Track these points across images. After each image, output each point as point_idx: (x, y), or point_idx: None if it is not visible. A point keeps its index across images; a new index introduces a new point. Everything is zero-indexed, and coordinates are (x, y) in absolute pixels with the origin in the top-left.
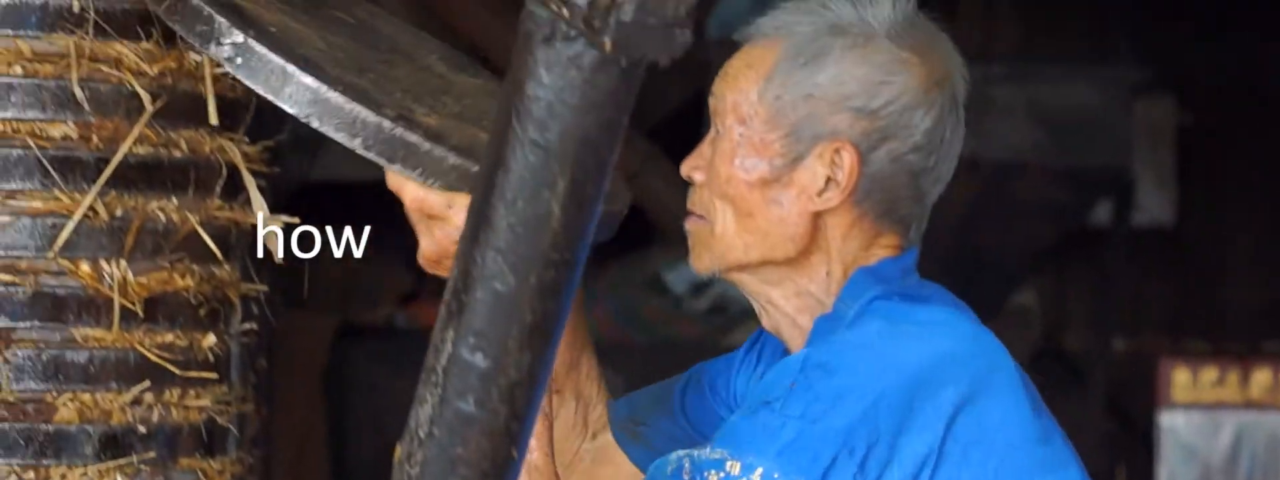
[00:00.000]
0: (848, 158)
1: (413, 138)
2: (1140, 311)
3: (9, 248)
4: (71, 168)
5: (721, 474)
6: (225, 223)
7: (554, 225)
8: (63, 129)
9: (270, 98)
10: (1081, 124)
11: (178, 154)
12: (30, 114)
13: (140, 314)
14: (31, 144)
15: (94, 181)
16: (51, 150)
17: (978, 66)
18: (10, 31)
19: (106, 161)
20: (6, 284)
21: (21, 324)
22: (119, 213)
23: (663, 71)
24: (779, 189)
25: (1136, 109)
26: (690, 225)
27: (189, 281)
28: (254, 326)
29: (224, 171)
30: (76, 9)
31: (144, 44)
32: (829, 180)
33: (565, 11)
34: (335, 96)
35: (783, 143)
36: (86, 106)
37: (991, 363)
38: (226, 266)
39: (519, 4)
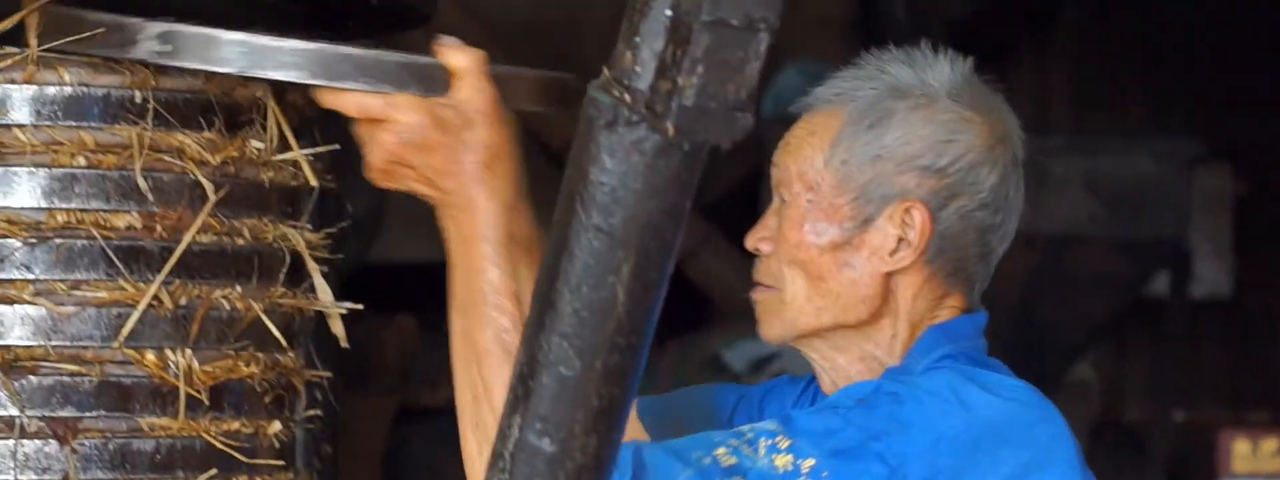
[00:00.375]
0: (919, 216)
1: (350, 50)
2: (1199, 382)
3: (75, 337)
4: (136, 257)
5: (769, 442)
6: (289, 310)
7: (619, 310)
8: (127, 219)
9: (206, 67)
10: (1138, 195)
11: (241, 242)
12: (94, 204)
13: (206, 402)
14: (96, 234)
15: (158, 270)
16: (116, 240)
17: (1033, 139)
18: (73, 123)
19: (170, 250)
20: (73, 374)
21: (88, 413)
22: (184, 301)
23: (716, 150)
24: (850, 252)
25: (1193, 179)
26: (757, 295)
27: (254, 369)
28: (318, 412)
29: (287, 259)
30: (138, 100)
31: (206, 133)
32: (900, 240)
33: (627, 97)
34: (265, 40)
35: (852, 206)
36: (150, 196)
37: (1055, 434)
38: (291, 353)
39: (579, 91)
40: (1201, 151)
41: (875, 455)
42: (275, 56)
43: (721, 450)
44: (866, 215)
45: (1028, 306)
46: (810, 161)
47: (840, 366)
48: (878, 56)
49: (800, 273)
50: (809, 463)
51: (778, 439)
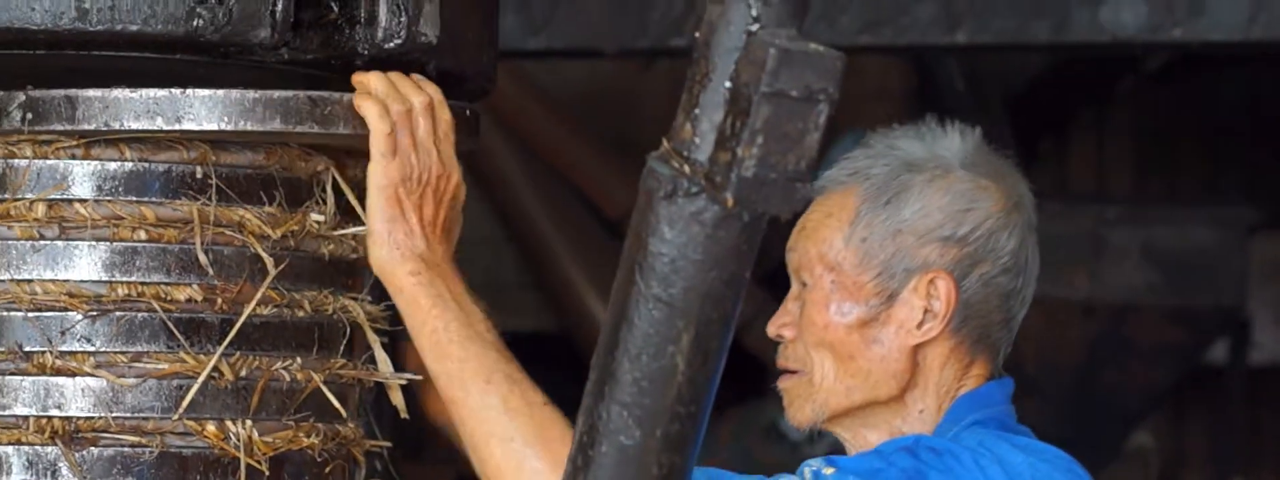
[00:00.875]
0: (944, 286)
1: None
2: (1258, 450)
3: (136, 409)
4: (196, 329)
5: (815, 468)
6: (349, 381)
7: (679, 379)
8: (187, 292)
9: (67, 127)
10: (1196, 263)
11: (301, 314)
12: (155, 277)
13: (266, 472)
14: (157, 307)
15: (219, 342)
16: (176, 313)
17: (1092, 208)
18: (134, 198)
19: (231, 323)
20: (134, 445)
21: None
22: (244, 373)
23: (775, 220)
24: (878, 328)
25: (1250, 247)
26: (784, 383)
27: (314, 439)
28: None
29: (347, 331)
30: (199, 175)
31: (267, 208)
32: (926, 312)
33: (687, 168)
34: (119, 94)
35: (876, 282)
36: (210, 270)
37: None
38: (350, 424)
39: (638, 161)
40: (1259, 219)
41: None
42: (135, 106)
43: None
44: (891, 290)
45: (1087, 375)
46: (830, 243)
47: (871, 444)
48: (886, 134)
49: (829, 354)
50: None
51: (824, 469)
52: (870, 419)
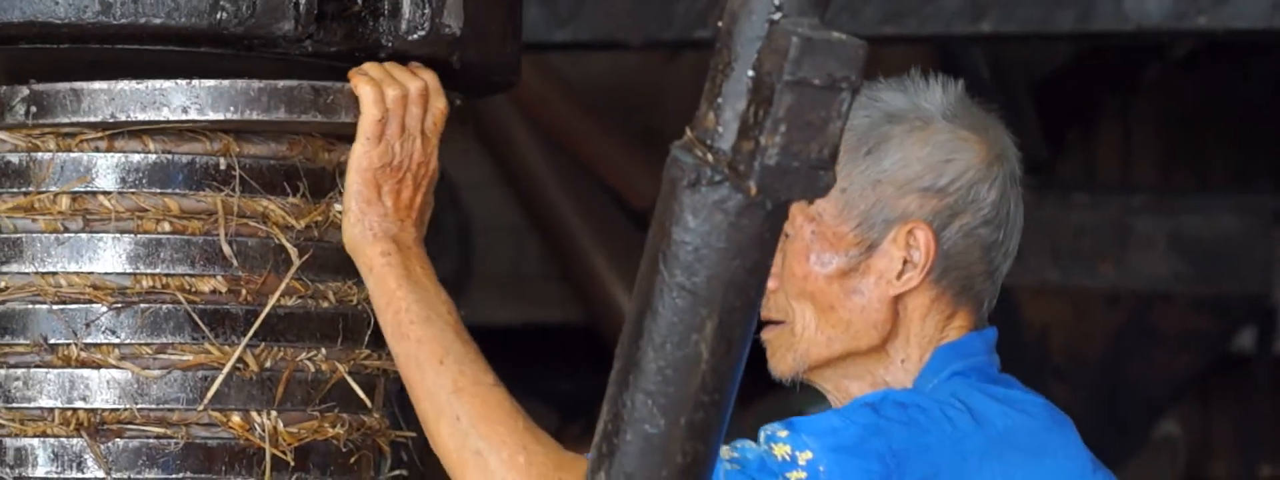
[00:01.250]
0: (923, 236)
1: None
2: None
3: (160, 401)
4: (221, 321)
5: (769, 432)
6: (373, 371)
7: (703, 368)
8: (212, 283)
9: (74, 120)
10: (1222, 252)
11: (325, 305)
12: (179, 269)
13: (291, 463)
14: (181, 299)
15: (243, 334)
16: (201, 304)
17: (1118, 197)
18: (158, 189)
19: (255, 314)
20: (158, 436)
21: (174, 475)
22: (269, 364)
23: None
24: (858, 278)
25: (1277, 235)
26: (766, 334)
27: (339, 430)
28: (403, 473)
29: (371, 321)
30: (223, 166)
31: (291, 198)
32: (906, 262)
33: (710, 157)
34: (142, 87)
35: (856, 232)
36: (234, 261)
37: (1064, 443)
38: (375, 414)
39: (663, 152)
40: None
41: (874, 453)
42: (140, 98)
43: (724, 448)
44: (871, 240)
45: (1113, 364)
46: None
47: (853, 395)
48: (868, 86)
49: (809, 304)
50: (806, 455)
51: (778, 431)
52: (851, 369)
